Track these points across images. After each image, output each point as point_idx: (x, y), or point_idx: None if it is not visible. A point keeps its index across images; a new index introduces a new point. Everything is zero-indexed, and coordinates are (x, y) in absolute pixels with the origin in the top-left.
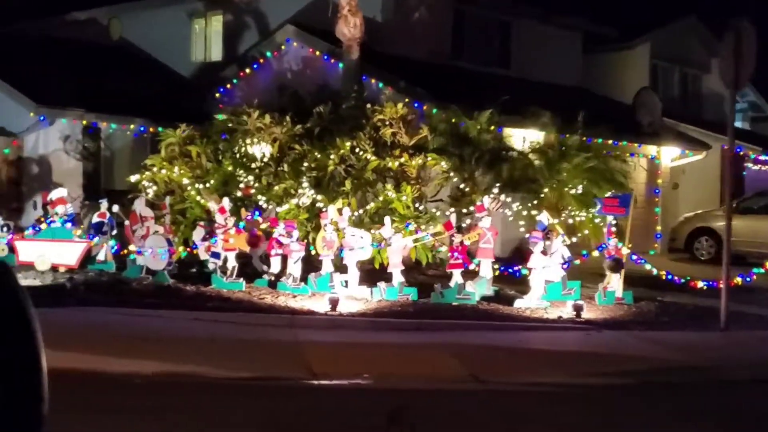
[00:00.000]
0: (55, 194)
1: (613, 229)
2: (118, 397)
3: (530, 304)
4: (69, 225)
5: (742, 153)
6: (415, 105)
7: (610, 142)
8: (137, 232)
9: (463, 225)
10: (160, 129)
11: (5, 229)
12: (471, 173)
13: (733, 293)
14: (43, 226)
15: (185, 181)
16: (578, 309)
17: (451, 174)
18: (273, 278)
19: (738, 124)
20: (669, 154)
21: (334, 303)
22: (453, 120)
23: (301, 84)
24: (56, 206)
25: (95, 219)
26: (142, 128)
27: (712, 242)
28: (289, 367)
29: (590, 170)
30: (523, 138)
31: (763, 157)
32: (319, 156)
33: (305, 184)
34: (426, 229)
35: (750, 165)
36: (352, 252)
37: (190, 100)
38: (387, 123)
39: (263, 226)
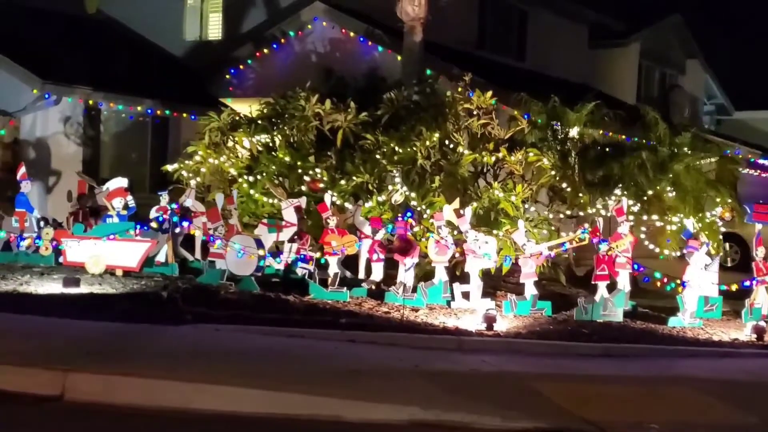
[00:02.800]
0: (112, 185)
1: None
2: None
3: (684, 323)
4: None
5: (741, 156)
6: (470, 95)
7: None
8: (218, 231)
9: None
10: (167, 112)
11: (42, 223)
12: (574, 171)
13: None
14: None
15: (233, 171)
16: (760, 332)
17: (553, 172)
18: (373, 287)
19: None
20: None
21: (490, 321)
22: (553, 112)
23: (332, 67)
24: (113, 198)
25: (154, 214)
26: (149, 111)
27: (737, 248)
28: (553, 413)
29: (702, 171)
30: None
31: (762, 161)
32: (398, 149)
33: (398, 180)
34: (541, 235)
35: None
36: (475, 259)
37: (190, 81)
38: (474, 113)
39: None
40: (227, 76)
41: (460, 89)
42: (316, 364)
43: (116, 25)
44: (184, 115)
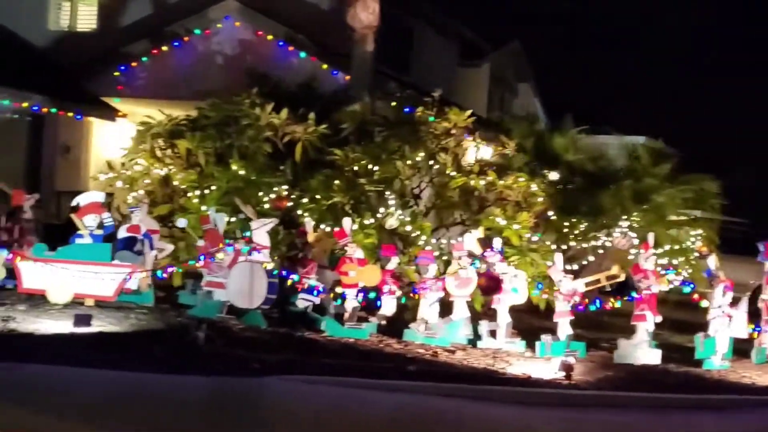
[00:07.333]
0: (84, 199)
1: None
2: None
3: (715, 365)
4: None
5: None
6: (406, 111)
7: None
8: (218, 257)
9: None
10: (53, 110)
11: None
12: (563, 199)
13: None
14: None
15: (177, 183)
16: None
17: (540, 199)
18: (384, 322)
19: None
20: None
21: (567, 369)
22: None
23: (245, 70)
24: (86, 215)
25: (123, 234)
26: (35, 108)
27: None
28: None
29: (684, 201)
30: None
31: None
32: (373, 167)
33: (392, 202)
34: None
35: None
36: (504, 294)
37: (64, 76)
38: (452, 132)
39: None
40: (115, 74)
41: (393, 104)
42: None
43: None
44: (69, 114)
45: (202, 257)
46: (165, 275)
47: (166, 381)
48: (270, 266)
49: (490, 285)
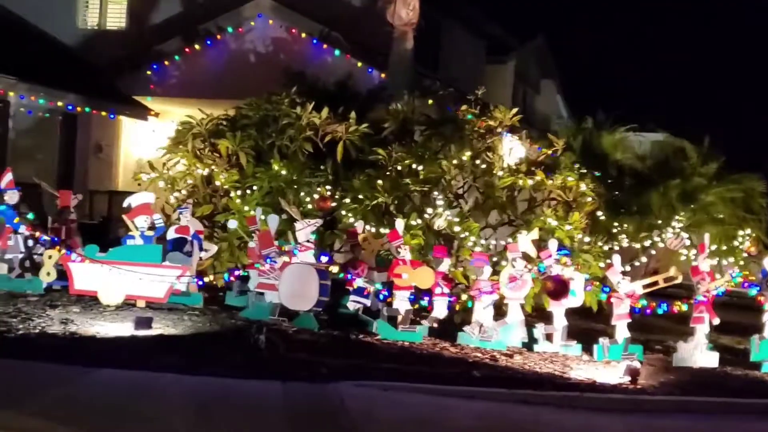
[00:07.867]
0: (135, 200)
1: None
2: None
3: None
4: None
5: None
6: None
7: None
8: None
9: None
10: (87, 109)
11: (30, 242)
12: (611, 199)
13: None
14: None
15: (218, 183)
16: None
17: (589, 199)
18: (435, 325)
19: None
20: None
21: (634, 373)
22: (586, 133)
23: (277, 68)
24: (137, 216)
25: (172, 234)
26: (69, 107)
27: None
28: None
29: (732, 201)
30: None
31: None
32: (417, 166)
33: (440, 202)
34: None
35: None
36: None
37: (97, 75)
38: (498, 131)
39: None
40: (147, 72)
41: (430, 102)
42: None
43: None
44: (103, 113)
45: (268, 260)
46: (232, 278)
47: (243, 386)
48: (335, 269)
49: (558, 288)
